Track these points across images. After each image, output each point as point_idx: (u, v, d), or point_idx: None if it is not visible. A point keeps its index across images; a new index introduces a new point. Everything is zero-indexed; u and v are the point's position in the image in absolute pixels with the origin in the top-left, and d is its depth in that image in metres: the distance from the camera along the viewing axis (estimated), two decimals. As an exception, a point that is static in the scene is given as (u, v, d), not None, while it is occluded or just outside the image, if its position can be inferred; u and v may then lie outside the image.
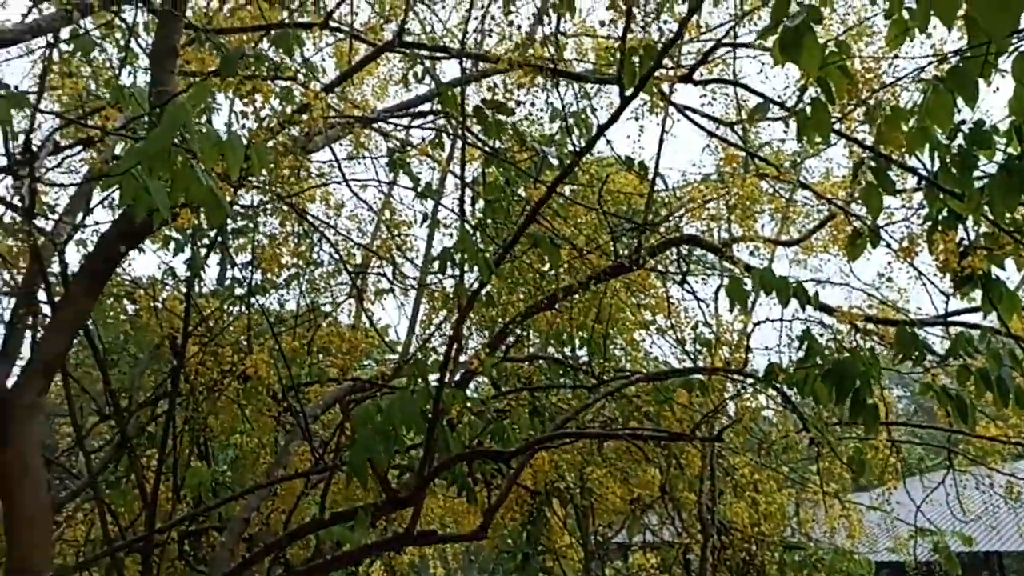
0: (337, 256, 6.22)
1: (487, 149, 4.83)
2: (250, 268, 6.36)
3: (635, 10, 3.85)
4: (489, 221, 4.89)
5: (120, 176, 2.96)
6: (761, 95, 4.75)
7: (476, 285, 4.46)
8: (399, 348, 7.79)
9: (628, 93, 3.60)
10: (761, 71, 5.62)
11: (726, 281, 4.17)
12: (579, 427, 6.13)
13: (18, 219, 4.63)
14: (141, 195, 2.93)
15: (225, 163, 3.01)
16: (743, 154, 6.42)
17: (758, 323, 5.40)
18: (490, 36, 6.19)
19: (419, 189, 4.90)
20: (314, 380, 6.33)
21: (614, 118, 3.81)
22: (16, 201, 4.76)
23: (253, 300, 6.30)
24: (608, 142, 5.25)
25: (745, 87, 5.08)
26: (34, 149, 4.11)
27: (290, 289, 6.64)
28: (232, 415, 6.36)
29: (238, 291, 6.53)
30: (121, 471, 6.57)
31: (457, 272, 4.37)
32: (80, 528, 6.76)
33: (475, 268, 4.03)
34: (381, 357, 8.62)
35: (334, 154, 6.63)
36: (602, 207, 5.86)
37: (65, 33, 5.14)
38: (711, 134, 6.39)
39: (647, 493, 7.83)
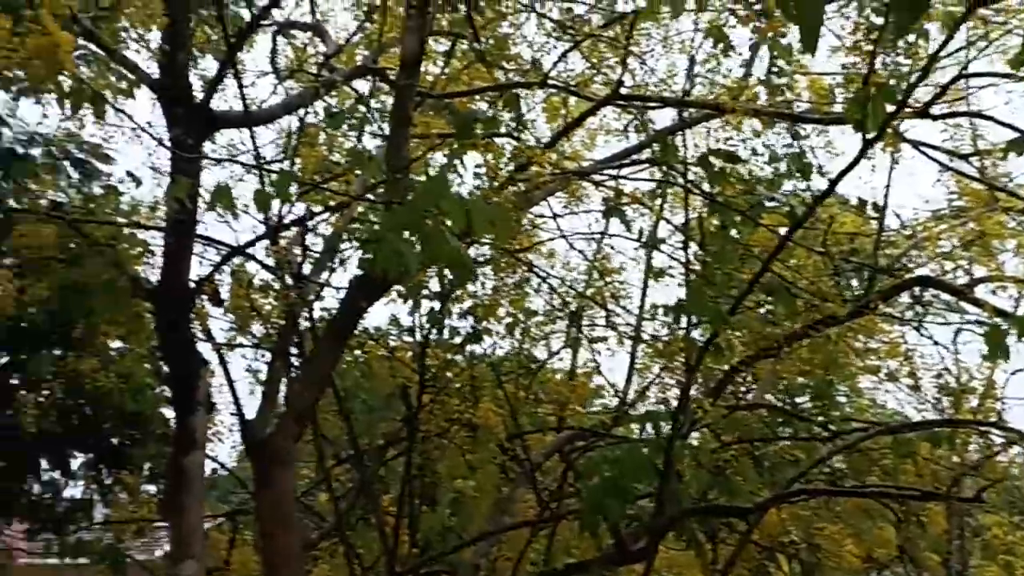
0: (561, 304, 6.33)
1: (709, 196, 4.78)
2: (471, 317, 6.60)
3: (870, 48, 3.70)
4: (713, 269, 4.81)
5: (377, 242, 3.18)
6: (1011, 126, 4.42)
7: (702, 334, 4.39)
8: (613, 396, 7.75)
9: (870, 137, 3.46)
10: (1008, 101, 5.19)
11: (975, 327, 3.87)
12: (807, 480, 5.85)
13: (275, 280, 5.07)
14: (393, 258, 3.13)
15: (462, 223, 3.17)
16: (983, 188, 5.98)
17: (1016, 371, 4.94)
18: (702, 83, 6.17)
19: (643, 239, 4.91)
20: (536, 428, 6.43)
21: (854, 163, 3.66)
22: (270, 262, 5.24)
23: (475, 349, 6.51)
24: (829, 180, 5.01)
25: (991, 119, 4.74)
26: (297, 218, 4.48)
27: (511, 337, 6.80)
28: (457, 462, 6.57)
29: (458, 340, 6.76)
30: (359, 512, 6.94)
31: (685, 321, 4.34)
32: (324, 567, 7.18)
33: (705, 319, 3.97)
34: (592, 405, 8.62)
35: (550, 207, 6.81)
36: (827, 249, 5.62)
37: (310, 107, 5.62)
38: (945, 167, 6.01)
39: (883, 551, 7.30)
